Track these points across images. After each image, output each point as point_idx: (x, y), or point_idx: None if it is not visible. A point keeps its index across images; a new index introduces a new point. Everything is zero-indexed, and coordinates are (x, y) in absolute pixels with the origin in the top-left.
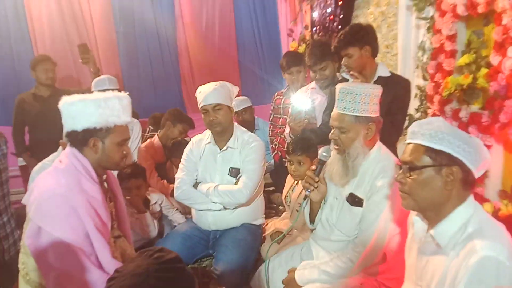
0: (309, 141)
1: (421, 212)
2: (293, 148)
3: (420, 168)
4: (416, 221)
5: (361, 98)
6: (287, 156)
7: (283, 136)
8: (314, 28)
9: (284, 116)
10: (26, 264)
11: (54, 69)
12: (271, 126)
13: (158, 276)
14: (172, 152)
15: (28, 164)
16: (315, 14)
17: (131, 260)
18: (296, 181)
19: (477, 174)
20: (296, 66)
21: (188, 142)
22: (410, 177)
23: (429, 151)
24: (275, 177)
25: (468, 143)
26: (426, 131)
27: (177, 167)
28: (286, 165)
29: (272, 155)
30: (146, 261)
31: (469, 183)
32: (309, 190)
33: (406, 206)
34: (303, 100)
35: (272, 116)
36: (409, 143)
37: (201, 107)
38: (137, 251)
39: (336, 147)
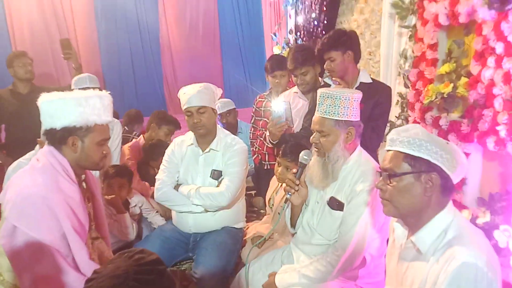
0: (302, 148)
1: (402, 218)
2: (284, 152)
3: (400, 175)
4: (396, 227)
5: (340, 102)
6: (277, 157)
7: (262, 139)
8: (298, 33)
9: (265, 119)
10: (0, 264)
11: (31, 64)
12: (252, 129)
13: (137, 278)
14: (149, 154)
15: (4, 163)
16: (300, 19)
17: (110, 261)
18: (280, 184)
19: (455, 179)
20: (280, 70)
21: (166, 143)
22: (390, 184)
23: (408, 158)
24: (256, 180)
25: (445, 150)
26: (404, 138)
27: (156, 169)
28: (266, 167)
29: (253, 158)
30: (125, 262)
31: (447, 189)
32: (290, 193)
33: (387, 212)
34: (283, 105)
35: (253, 119)
36: (388, 150)
37: (185, 109)
38: (114, 253)
39: (317, 150)
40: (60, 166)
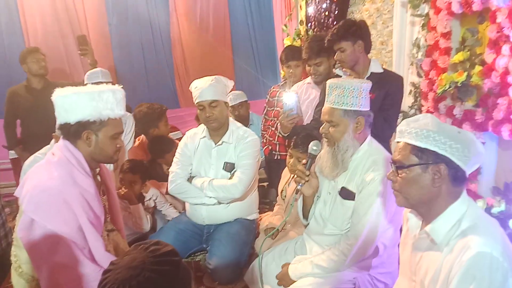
0: (313, 139)
1: (413, 208)
2: (296, 143)
3: (407, 167)
4: (410, 217)
5: (349, 92)
6: (289, 149)
7: (274, 129)
8: (309, 24)
9: (277, 109)
10: (19, 257)
11: (45, 59)
12: (264, 120)
13: (153, 269)
14: (156, 152)
15: (20, 157)
16: (310, 10)
17: (127, 253)
18: (292, 176)
19: (468, 169)
20: (295, 60)
21: (170, 139)
22: (399, 176)
23: (415, 149)
24: (268, 172)
25: (455, 139)
26: (412, 129)
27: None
28: (276, 157)
29: (263, 149)
30: (141, 254)
31: (458, 179)
32: (300, 184)
33: (399, 203)
34: (294, 97)
35: (265, 109)
36: (398, 142)
37: (197, 103)
38: (130, 245)
39: (327, 141)
40: (75, 160)
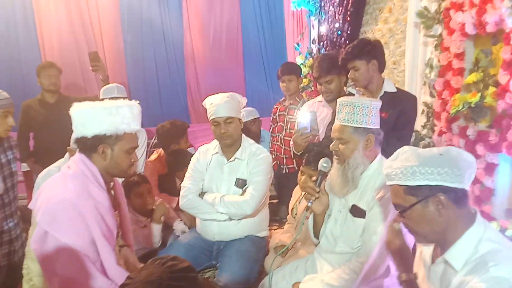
0: (324, 157)
1: (432, 243)
2: (307, 161)
3: (408, 208)
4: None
5: (359, 110)
6: (301, 167)
7: (278, 144)
8: (321, 43)
9: (280, 123)
10: (31, 269)
11: (58, 75)
12: (271, 137)
13: (171, 285)
14: (175, 165)
15: (32, 170)
16: (323, 29)
17: (143, 268)
18: (303, 193)
19: (466, 185)
20: (288, 74)
21: (189, 152)
22: (405, 218)
23: (408, 189)
24: (278, 188)
25: (441, 164)
26: (397, 169)
27: (180, 180)
28: (284, 171)
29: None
30: (159, 269)
31: (461, 200)
32: (310, 201)
33: (419, 243)
34: (308, 115)
35: (271, 128)
36: (390, 185)
37: (212, 119)
38: (139, 260)
39: (337, 158)
40: (90, 173)
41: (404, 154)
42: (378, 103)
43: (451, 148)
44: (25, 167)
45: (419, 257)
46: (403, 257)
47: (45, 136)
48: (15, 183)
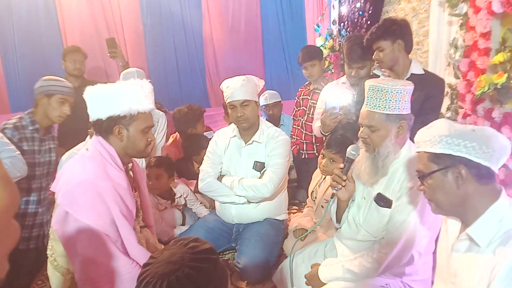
0: (347, 141)
1: (449, 215)
2: (329, 144)
3: (428, 174)
4: (449, 220)
5: (392, 96)
6: (322, 150)
7: (300, 128)
8: (342, 24)
9: (303, 108)
10: (54, 249)
11: (83, 60)
12: (293, 121)
13: (192, 266)
14: (191, 150)
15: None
16: (344, 9)
17: (166, 248)
18: (323, 177)
19: (492, 164)
20: (310, 60)
21: (205, 137)
22: (425, 185)
23: (432, 156)
24: (297, 172)
25: (469, 138)
26: (425, 137)
27: (197, 164)
28: (303, 156)
29: (292, 148)
30: (181, 250)
31: (485, 177)
32: (336, 188)
33: (434, 211)
34: (338, 94)
35: (294, 111)
36: (417, 152)
37: (229, 102)
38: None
39: (366, 146)
40: (107, 154)
41: (438, 124)
42: (411, 87)
43: (488, 128)
44: None
45: (445, 236)
46: None
47: (69, 120)
48: (51, 171)
